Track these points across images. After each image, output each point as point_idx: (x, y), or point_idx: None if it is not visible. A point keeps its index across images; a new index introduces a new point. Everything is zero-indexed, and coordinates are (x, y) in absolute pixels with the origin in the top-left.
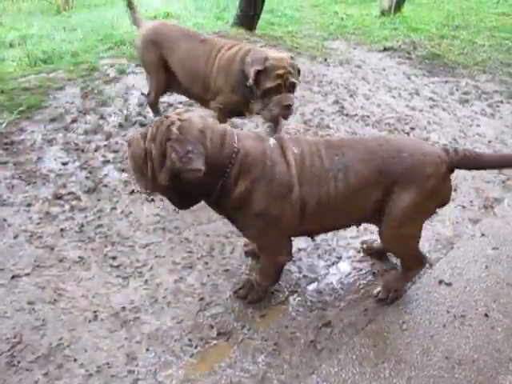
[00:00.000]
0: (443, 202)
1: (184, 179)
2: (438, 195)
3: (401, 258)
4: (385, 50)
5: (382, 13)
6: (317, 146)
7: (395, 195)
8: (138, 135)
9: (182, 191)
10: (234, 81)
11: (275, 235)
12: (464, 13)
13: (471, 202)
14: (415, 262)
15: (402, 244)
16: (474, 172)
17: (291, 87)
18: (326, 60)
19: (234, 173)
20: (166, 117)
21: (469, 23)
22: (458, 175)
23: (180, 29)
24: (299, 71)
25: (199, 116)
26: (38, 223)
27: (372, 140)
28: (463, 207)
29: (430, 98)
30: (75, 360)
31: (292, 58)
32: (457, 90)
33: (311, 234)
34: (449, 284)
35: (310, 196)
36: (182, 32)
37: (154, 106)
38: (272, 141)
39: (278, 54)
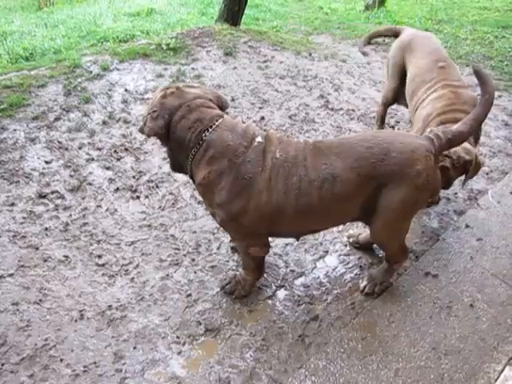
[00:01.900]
0: (434, 192)
1: (145, 133)
2: (429, 188)
3: (388, 252)
4: (369, 44)
5: (367, 7)
6: (304, 153)
7: (387, 193)
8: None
9: (168, 151)
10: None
11: (239, 229)
12: (447, 7)
13: (456, 194)
14: (401, 255)
15: (393, 238)
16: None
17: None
18: (310, 54)
19: (196, 158)
20: (176, 84)
21: (452, 17)
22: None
23: (432, 45)
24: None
25: (195, 94)
26: (22, 223)
27: (361, 142)
28: (448, 199)
29: None
30: (61, 360)
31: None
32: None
33: (296, 236)
34: (435, 276)
35: (286, 204)
36: (431, 48)
37: (380, 117)
38: (258, 139)
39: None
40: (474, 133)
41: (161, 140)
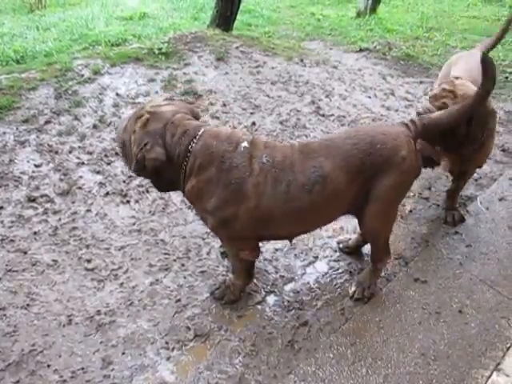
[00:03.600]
0: (418, 174)
1: (148, 167)
2: (413, 170)
3: (376, 245)
4: (361, 50)
5: (358, 14)
6: (292, 158)
7: (377, 183)
8: (123, 122)
9: (156, 177)
10: None
11: (230, 234)
12: (437, 15)
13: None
14: (385, 252)
15: (384, 226)
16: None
17: None
18: (302, 60)
19: (187, 170)
20: (141, 108)
21: (442, 25)
22: (432, 175)
23: (472, 63)
24: None
25: (172, 111)
26: (10, 227)
27: (346, 140)
28: (437, 206)
29: (405, 98)
30: (49, 366)
31: None
32: (431, 90)
33: (288, 238)
34: (424, 281)
35: (275, 208)
36: (469, 66)
37: None
38: (244, 145)
39: None
40: (457, 123)
41: (158, 169)
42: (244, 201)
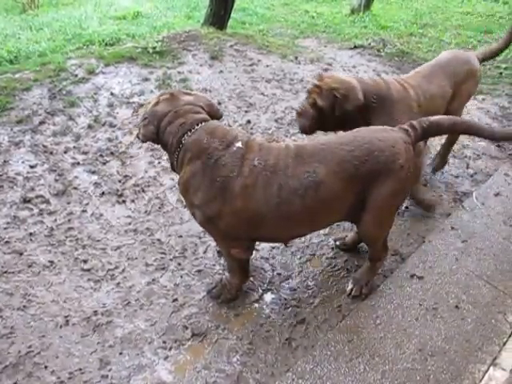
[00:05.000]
0: (417, 179)
1: (140, 139)
2: (412, 176)
3: (374, 248)
4: (355, 47)
5: (352, 11)
6: (286, 161)
7: (374, 191)
8: None
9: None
10: None
11: (217, 231)
12: (431, 11)
13: (441, 196)
14: (383, 251)
15: (382, 231)
16: (445, 167)
17: None
18: (296, 58)
19: (179, 162)
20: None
21: (436, 21)
22: (428, 171)
23: (441, 58)
24: None
25: (187, 101)
26: (6, 228)
27: (342, 146)
28: None
29: None
30: (46, 367)
31: None
32: None
33: (284, 241)
34: (420, 278)
35: (266, 211)
36: (434, 60)
37: None
38: (238, 145)
39: None
40: (447, 133)
41: (156, 144)
42: (229, 200)
